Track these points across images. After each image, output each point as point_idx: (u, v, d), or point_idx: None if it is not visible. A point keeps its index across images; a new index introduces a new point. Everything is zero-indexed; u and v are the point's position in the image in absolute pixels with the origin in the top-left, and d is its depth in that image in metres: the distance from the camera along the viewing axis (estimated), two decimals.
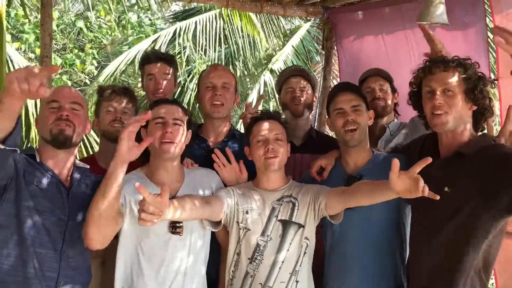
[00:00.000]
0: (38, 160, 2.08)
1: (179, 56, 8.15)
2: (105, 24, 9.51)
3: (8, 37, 6.10)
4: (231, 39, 8.37)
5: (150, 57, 3.02)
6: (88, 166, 2.25)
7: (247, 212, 2.22)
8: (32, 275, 1.95)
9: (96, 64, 8.96)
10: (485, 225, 1.95)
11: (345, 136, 2.32)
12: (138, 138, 2.23)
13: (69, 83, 8.20)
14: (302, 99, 2.94)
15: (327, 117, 2.50)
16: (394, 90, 3.04)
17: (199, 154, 2.54)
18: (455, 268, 1.98)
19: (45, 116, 2.10)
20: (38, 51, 8.15)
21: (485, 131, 2.23)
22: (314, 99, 3.12)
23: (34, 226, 1.97)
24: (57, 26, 8.89)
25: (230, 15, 8.01)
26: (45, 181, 2.05)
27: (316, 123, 4.44)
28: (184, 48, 8.11)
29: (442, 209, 2.00)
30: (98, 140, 4.69)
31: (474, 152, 1.98)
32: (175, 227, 2.14)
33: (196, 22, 8.20)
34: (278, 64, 8.46)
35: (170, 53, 3.38)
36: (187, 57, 8.33)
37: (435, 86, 2.03)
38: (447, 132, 2.06)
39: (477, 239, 1.96)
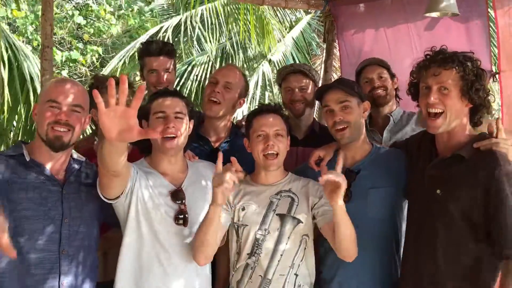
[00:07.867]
0: (28, 158, 2.00)
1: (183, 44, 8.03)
2: (105, 20, 9.42)
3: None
4: (239, 27, 8.17)
5: (151, 50, 2.96)
6: (84, 159, 2.20)
7: (243, 209, 2.21)
8: (33, 282, 1.93)
9: (97, 56, 8.90)
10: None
11: (336, 135, 2.31)
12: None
13: (71, 76, 8.18)
14: (301, 99, 2.89)
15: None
16: (392, 76, 3.00)
17: (202, 156, 2.47)
18: (447, 274, 2.00)
19: (43, 112, 2.00)
20: (35, 43, 8.13)
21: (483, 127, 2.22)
22: None
23: (27, 234, 1.92)
24: (55, 17, 8.83)
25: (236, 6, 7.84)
26: (35, 184, 1.98)
27: (316, 116, 4.43)
28: (186, 40, 8.00)
29: (435, 211, 2.02)
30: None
31: (471, 155, 1.97)
32: (179, 218, 2.13)
33: (201, 11, 7.97)
34: (277, 55, 8.36)
35: (169, 43, 3.28)
36: (189, 47, 8.23)
37: (431, 82, 2.02)
38: (442, 133, 2.06)
39: (467, 247, 1.97)
